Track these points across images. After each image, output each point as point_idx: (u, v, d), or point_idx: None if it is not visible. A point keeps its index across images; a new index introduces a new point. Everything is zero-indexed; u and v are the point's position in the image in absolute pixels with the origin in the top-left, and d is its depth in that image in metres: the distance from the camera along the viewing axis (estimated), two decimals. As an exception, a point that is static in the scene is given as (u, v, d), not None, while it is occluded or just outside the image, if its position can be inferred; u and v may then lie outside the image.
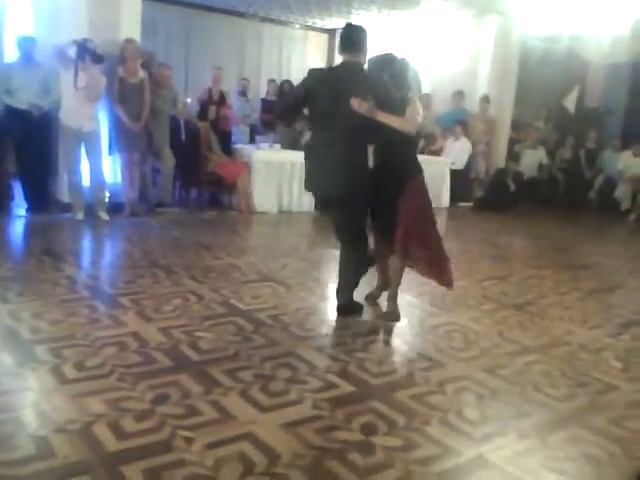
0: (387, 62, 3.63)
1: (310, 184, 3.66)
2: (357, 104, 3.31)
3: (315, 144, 3.62)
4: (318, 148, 3.55)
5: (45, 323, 3.22)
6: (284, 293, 4.15)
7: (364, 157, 3.52)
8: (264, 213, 7.32)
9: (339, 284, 3.77)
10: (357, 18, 10.89)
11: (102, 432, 2.19)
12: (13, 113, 5.97)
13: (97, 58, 5.90)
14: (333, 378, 2.81)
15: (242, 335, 3.25)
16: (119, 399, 2.44)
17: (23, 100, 5.95)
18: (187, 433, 2.22)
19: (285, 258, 5.14)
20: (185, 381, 2.64)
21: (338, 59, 3.73)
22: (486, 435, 2.41)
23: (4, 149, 6.07)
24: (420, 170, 3.69)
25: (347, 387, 2.74)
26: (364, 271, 3.80)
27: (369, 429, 2.37)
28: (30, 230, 5.76)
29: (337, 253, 3.82)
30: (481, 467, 2.20)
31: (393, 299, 3.76)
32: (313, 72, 3.65)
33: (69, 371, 2.66)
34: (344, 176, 3.45)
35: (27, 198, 6.17)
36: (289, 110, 3.80)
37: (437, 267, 3.66)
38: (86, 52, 5.85)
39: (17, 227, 5.90)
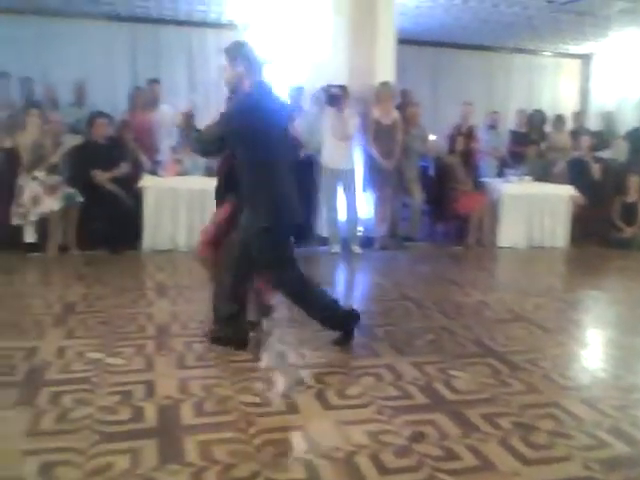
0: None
1: (293, 214, 3.38)
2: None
3: (275, 173, 3.30)
4: (280, 176, 3.32)
5: (309, 350, 3.46)
6: (541, 335, 3.91)
7: None
8: (511, 248, 7.05)
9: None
10: (615, 39, 10.05)
11: (364, 464, 2.25)
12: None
13: (332, 101, 6.31)
14: (604, 435, 2.54)
15: (498, 378, 3.13)
16: (379, 432, 2.50)
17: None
18: (447, 477, 2.18)
19: (539, 297, 4.86)
20: (441, 421, 2.61)
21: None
22: None
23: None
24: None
25: (621, 447, 2.45)
26: None
27: (653, 501, 2.08)
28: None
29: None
30: None
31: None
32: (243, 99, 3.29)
33: (332, 398, 2.81)
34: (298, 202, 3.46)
35: (293, 231, 6.78)
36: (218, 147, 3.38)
37: None
38: (330, 97, 6.33)
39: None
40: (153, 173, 6.42)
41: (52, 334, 3.62)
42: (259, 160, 3.23)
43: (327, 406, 2.73)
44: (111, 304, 4.26)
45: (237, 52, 3.29)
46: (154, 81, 7.40)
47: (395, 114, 6.73)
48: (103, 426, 2.48)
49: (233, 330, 3.44)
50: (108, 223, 5.97)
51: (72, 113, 6.87)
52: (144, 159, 6.66)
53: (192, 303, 4.35)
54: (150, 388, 2.85)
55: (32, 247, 5.77)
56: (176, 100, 8.65)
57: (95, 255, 5.85)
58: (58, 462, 2.21)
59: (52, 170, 5.94)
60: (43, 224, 5.80)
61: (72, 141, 6.31)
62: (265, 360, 3.32)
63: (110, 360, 3.19)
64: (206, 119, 3.57)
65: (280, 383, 3.00)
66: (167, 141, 7.06)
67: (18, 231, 5.76)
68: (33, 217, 5.74)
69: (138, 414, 2.59)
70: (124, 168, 6.26)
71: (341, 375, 3.09)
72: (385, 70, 6.88)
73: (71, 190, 5.89)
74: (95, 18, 8.70)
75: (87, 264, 5.55)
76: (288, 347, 3.50)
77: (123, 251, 5.96)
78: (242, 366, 3.21)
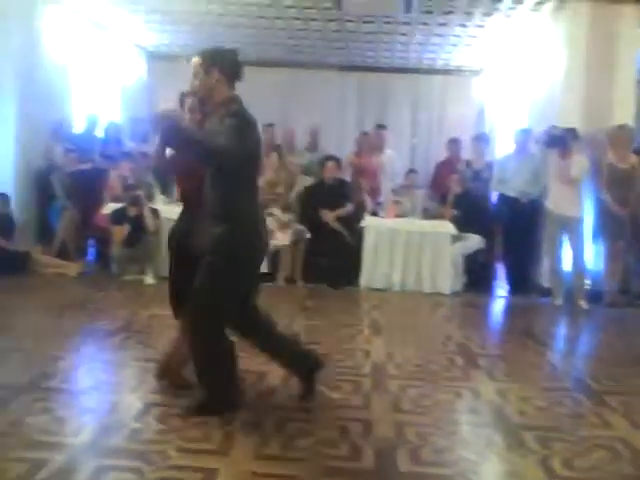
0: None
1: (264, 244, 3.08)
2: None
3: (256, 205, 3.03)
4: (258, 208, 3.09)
5: (530, 408, 3.26)
6: None
7: None
8: None
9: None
10: None
11: None
12: (504, 200, 6.49)
13: (554, 143, 5.94)
14: None
15: None
16: (614, 514, 2.25)
17: (513, 188, 6.40)
18: None
19: None
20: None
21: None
22: None
23: (493, 233, 6.59)
24: None
25: None
26: None
27: None
28: (510, 311, 6.05)
29: None
30: None
31: None
32: (248, 113, 2.91)
33: (558, 467, 2.59)
34: None
35: (509, 280, 6.52)
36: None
37: None
38: (551, 138, 5.99)
39: (498, 307, 6.27)
40: (374, 214, 6.66)
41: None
42: (249, 183, 2.93)
43: (552, 475, 2.52)
44: (331, 337, 4.46)
45: (216, 59, 2.91)
46: (381, 127, 7.72)
47: (633, 159, 6.18)
48: (324, 459, 2.57)
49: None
50: (331, 259, 6.32)
51: (306, 156, 7.44)
52: (367, 200, 6.94)
53: (406, 345, 4.38)
54: (367, 427, 2.90)
55: (264, 277, 6.30)
56: (399, 144, 8.96)
57: (317, 288, 6.21)
58: (284, 489, 2.34)
59: (286, 208, 6.49)
60: (274, 257, 6.32)
61: (304, 182, 6.83)
62: (483, 415, 3.20)
63: (330, 394, 3.32)
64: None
65: (499, 442, 2.85)
66: (389, 183, 7.30)
67: (253, 262, 6.34)
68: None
69: (356, 452, 2.65)
70: (349, 208, 6.59)
71: (568, 443, 2.85)
72: (623, 112, 6.38)
73: (301, 227, 6.36)
74: (329, 68, 9.41)
75: (310, 297, 5.89)
76: (507, 403, 3.33)
77: (342, 287, 6.23)
78: (458, 418, 3.14)
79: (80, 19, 7.74)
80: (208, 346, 2.95)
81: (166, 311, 5.04)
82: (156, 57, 9.71)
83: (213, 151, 2.71)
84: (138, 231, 6.17)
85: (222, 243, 2.84)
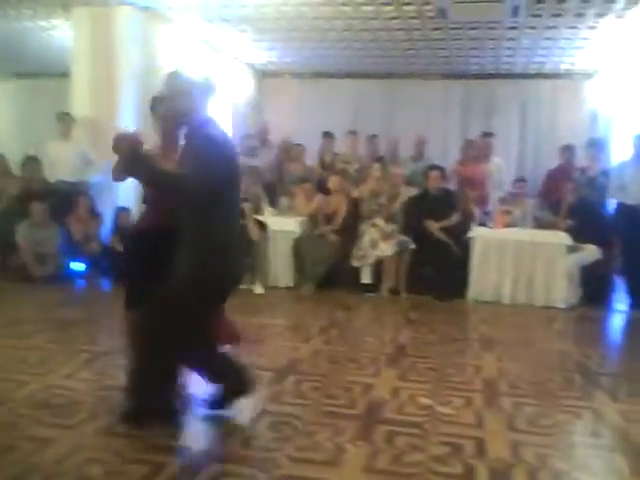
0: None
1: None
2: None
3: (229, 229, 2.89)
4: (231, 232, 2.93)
5: (658, 433, 3.04)
6: None
7: None
8: None
9: None
10: None
11: None
12: (622, 208, 6.11)
13: None
14: None
15: None
16: None
17: (632, 196, 6.01)
18: None
19: None
20: None
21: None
22: None
23: (611, 243, 6.21)
24: None
25: None
26: None
27: None
28: (631, 327, 5.66)
29: None
30: None
31: None
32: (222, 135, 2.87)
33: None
34: None
35: (629, 293, 6.11)
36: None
37: None
38: None
39: (617, 322, 5.90)
40: (482, 224, 6.48)
41: (386, 373, 3.85)
42: (221, 206, 2.81)
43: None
44: (439, 351, 4.38)
45: (192, 82, 2.89)
46: (488, 134, 7.51)
47: None
48: (435, 476, 2.52)
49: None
50: (436, 270, 6.22)
51: (410, 166, 7.39)
52: (475, 210, 6.77)
53: (519, 361, 4.21)
54: (480, 446, 2.81)
55: (367, 287, 6.31)
56: (507, 152, 8.69)
57: (422, 300, 6.12)
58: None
59: (390, 219, 6.47)
60: (378, 267, 6.31)
61: (408, 192, 6.78)
62: (605, 437, 3.01)
63: (440, 408, 3.25)
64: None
65: (623, 467, 2.67)
66: (496, 192, 7.09)
67: (357, 272, 6.36)
68: (370, 260, 6.29)
69: (469, 472, 2.57)
70: (455, 218, 6.46)
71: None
72: None
73: (405, 237, 6.31)
74: (433, 77, 9.32)
75: (415, 308, 5.81)
76: (632, 426, 3.11)
77: (449, 299, 6.10)
78: (578, 440, 2.98)
79: (191, 38, 8.12)
80: (155, 357, 2.88)
81: (276, 320, 5.22)
82: (265, 74, 10.05)
83: (178, 182, 2.70)
84: (243, 242, 6.35)
85: (186, 265, 2.79)
